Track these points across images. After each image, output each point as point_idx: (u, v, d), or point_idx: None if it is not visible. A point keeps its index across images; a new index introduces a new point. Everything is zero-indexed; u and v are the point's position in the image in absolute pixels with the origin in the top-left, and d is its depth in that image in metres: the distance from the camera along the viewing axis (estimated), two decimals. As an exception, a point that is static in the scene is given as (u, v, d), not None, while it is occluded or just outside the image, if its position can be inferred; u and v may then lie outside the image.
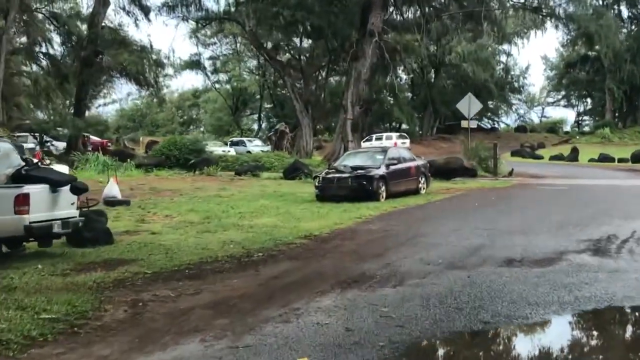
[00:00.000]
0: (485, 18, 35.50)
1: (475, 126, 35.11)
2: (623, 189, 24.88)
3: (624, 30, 72.95)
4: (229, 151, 55.89)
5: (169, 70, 61.59)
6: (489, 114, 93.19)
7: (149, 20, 41.13)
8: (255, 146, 58.78)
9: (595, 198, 21.10)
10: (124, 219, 16.56)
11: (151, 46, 41.45)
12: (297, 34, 37.37)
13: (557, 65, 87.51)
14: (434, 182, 27.36)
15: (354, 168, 21.22)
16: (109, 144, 47.77)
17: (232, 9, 38.83)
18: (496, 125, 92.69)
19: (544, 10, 36.28)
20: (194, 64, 68.68)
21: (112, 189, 20.29)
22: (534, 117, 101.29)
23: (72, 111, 43.68)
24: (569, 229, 13.77)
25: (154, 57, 41.52)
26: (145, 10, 40.35)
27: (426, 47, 43.72)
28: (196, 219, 16.21)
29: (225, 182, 27.96)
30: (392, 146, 26.13)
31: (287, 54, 63.38)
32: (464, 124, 33.94)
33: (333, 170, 21.67)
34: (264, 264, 10.25)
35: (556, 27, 38.44)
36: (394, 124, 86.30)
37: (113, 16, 44.31)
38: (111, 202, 19.43)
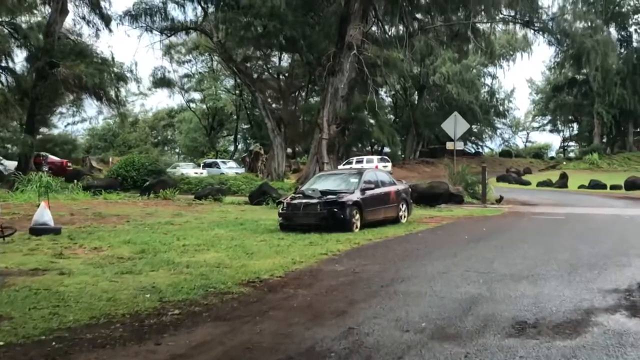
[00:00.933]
0: (472, 32, 32.90)
1: (462, 147, 32.17)
2: (626, 220, 22.16)
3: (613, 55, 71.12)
4: (201, 173, 53.32)
5: (133, 86, 58.33)
6: (473, 138, 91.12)
7: (110, 30, 38.24)
8: (230, 168, 56.20)
9: (600, 230, 18.34)
10: (42, 252, 13.66)
11: (113, 59, 38.42)
12: (270, 47, 34.52)
13: (543, 89, 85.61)
14: (417, 209, 24.69)
15: (324, 193, 18.33)
16: (69, 164, 44.58)
17: (200, 19, 35.97)
18: (480, 150, 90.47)
19: (535, 25, 33.72)
20: (166, 82, 65.80)
21: (43, 215, 17.42)
22: (519, 142, 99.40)
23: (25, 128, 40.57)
24: (585, 273, 10.94)
25: (116, 70, 38.40)
26: (106, 20, 37.48)
27: (409, 64, 41.04)
28: (127, 254, 13.31)
29: (183, 207, 25.01)
30: (370, 168, 23.30)
31: (266, 73, 61.08)
32: (449, 145, 31.24)
33: (300, 195, 18.76)
34: (175, 329, 7.28)
35: (549, 43, 35.87)
36: (376, 146, 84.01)
37: (72, 26, 41.46)
38: (38, 231, 16.59)
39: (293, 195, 19.06)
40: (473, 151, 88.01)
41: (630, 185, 42.39)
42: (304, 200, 18.12)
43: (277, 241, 15.65)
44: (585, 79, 71.29)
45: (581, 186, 46.13)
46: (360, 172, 19.76)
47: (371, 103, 30.26)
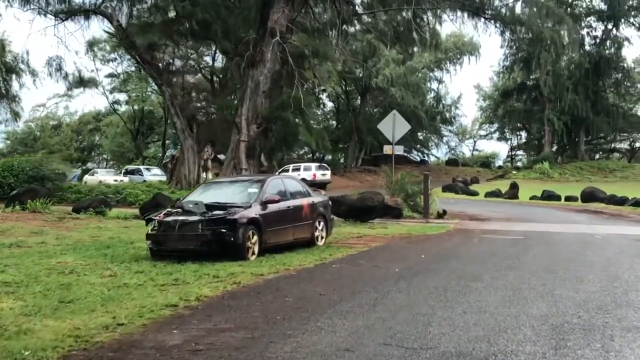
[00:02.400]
0: (414, 20, 28.45)
1: (401, 152, 27.72)
2: (600, 241, 17.92)
3: (565, 58, 68.05)
4: (121, 180, 48.40)
5: (27, 78, 51.95)
6: (419, 145, 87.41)
7: (-4, 13, 32.71)
8: (154, 175, 51.48)
9: (574, 259, 13.93)
10: None
11: (3, 47, 32.91)
12: (178, 34, 29.63)
13: (491, 95, 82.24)
14: (345, 226, 20.23)
15: (211, 207, 13.56)
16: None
17: (100, 0, 30.84)
18: (426, 158, 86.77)
19: (487, 12, 29.45)
20: (87, 82, 60.21)
21: None
22: (466, 150, 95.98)
23: None
24: (580, 348, 6.52)
25: (8, 60, 32.90)
26: (-10, 2, 32.07)
27: (348, 61, 36.62)
28: None
29: (51, 222, 19.98)
30: (275, 175, 18.34)
31: (199, 74, 56.02)
32: (387, 149, 26.76)
33: (178, 210, 13.93)
34: None
35: (501, 33, 31.58)
36: (317, 153, 79.55)
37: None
38: None
39: (169, 210, 14.19)
40: (419, 159, 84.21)
41: (588, 196, 38.61)
42: (180, 218, 13.34)
43: (129, 277, 11.01)
44: (535, 83, 67.94)
45: (533, 197, 42.27)
46: (262, 180, 14.96)
47: (297, 99, 25.56)
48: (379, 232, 19.06)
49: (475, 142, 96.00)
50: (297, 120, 27.24)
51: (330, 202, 16.99)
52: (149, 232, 13.60)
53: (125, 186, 30.40)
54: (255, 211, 13.70)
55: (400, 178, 25.98)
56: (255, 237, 13.49)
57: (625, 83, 71.72)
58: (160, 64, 32.87)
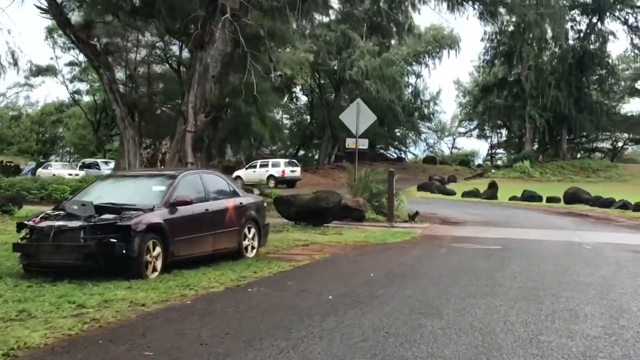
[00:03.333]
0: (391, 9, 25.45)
1: (366, 147, 24.77)
2: (590, 253, 15.10)
3: (547, 53, 65.59)
4: (76, 175, 45.44)
5: None
6: (397, 142, 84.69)
7: None
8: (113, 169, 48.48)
9: (563, 280, 11.03)
10: None
11: None
12: (118, 9, 26.32)
13: (471, 91, 79.45)
14: (294, 231, 17.29)
15: (102, 208, 10.53)
16: None
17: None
18: (403, 156, 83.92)
19: (466, -7, 26.49)
20: (45, 70, 56.89)
21: None
22: (445, 148, 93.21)
23: None
24: None
25: None
26: None
27: (314, 43, 33.59)
28: None
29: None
30: (191, 170, 15.13)
31: (165, 64, 52.73)
32: (349, 143, 23.84)
33: (60, 212, 10.86)
34: None
35: (480, 16, 28.52)
36: (291, 149, 76.56)
37: None
38: None
39: (48, 213, 11.07)
40: (395, 157, 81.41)
41: (571, 197, 35.90)
42: (57, 223, 10.29)
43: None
44: (517, 79, 65.11)
45: (513, 197, 39.52)
46: (173, 176, 11.89)
47: (249, 85, 22.52)
48: (331, 240, 16.10)
49: (454, 139, 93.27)
50: (250, 109, 24.11)
51: (265, 204, 13.95)
52: (19, 241, 10.56)
53: (54, 181, 27.25)
54: (159, 215, 10.69)
55: (364, 175, 23.04)
56: (158, 249, 10.50)
57: (610, 80, 69.10)
58: (97, 45, 29.64)
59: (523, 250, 15.05)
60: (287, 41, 26.63)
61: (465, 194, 43.33)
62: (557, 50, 63.86)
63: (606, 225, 23.33)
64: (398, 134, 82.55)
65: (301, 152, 75.46)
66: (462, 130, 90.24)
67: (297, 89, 70.12)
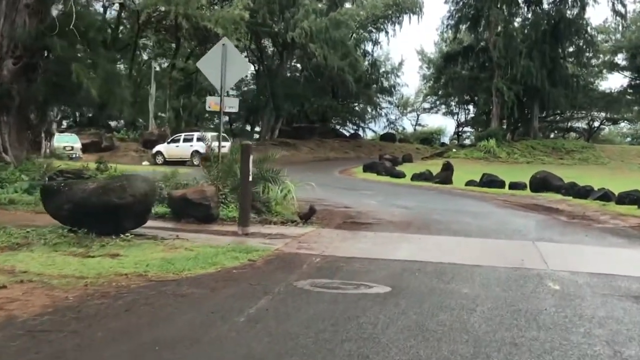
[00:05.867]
0: None
1: (235, 109, 17.08)
2: (560, 306, 7.82)
3: (518, 19, 58.33)
4: None
5: None
6: (355, 118, 77.51)
7: None
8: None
9: None
10: None
11: None
12: None
13: (435, 62, 72.04)
14: (57, 247, 9.83)
15: None
16: None
17: None
18: (361, 132, 76.65)
19: None
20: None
21: None
22: (408, 125, 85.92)
23: None
24: None
25: None
26: None
27: None
28: None
29: None
30: None
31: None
32: (210, 102, 16.41)
33: None
34: None
35: None
36: (235, 124, 69.04)
37: None
38: None
39: None
40: (348, 134, 74.20)
41: (540, 183, 28.89)
42: None
43: None
44: (484, 46, 57.77)
45: (470, 182, 32.56)
46: None
47: (68, 17, 15.03)
48: (92, 270, 8.59)
49: (418, 115, 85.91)
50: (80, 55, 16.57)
51: None
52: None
53: None
54: None
55: (230, 153, 15.71)
56: None
57: (588, 51, 62.12)
58: None
59: (427, 297, 7.70)
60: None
61: (415, 177, 36.41)
62: (529, 15, 56.58)
63: (583, 229, 16.17)
64: (357, 108, 75.44)
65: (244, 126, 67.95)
66: (426, 105, 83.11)
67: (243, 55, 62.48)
